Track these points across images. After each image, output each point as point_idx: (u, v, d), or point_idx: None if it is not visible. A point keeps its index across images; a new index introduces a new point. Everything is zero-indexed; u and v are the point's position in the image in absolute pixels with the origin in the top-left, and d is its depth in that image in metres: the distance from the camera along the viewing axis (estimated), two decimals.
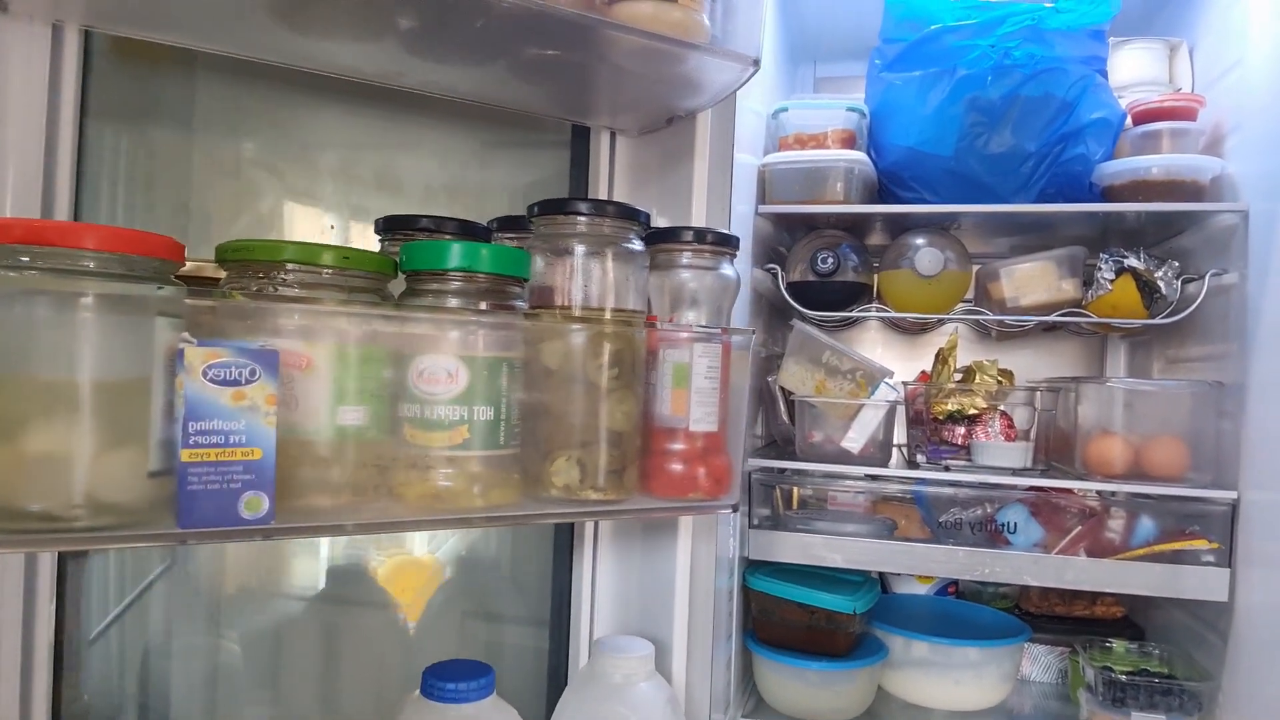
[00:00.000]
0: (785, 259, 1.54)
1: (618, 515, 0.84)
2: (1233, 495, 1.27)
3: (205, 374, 0.60)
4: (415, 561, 1.10)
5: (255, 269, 0.68)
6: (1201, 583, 1.27)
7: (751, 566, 1.43)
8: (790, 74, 1.74)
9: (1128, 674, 1.32)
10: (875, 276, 1.57)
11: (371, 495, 0.69)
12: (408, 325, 0.69)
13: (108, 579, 0.94)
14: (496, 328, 0.71)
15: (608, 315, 0.75)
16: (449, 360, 0.68)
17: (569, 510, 0.75)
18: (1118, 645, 1.43)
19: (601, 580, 1.07)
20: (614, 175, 1.09)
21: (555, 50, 0.81)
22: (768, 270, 1.47)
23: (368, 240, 1.04)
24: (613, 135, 1.09)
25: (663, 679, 0.88)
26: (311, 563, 1.07)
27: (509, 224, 0.85)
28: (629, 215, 0.76)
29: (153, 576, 0.97)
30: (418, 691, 0.79)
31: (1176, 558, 1.29)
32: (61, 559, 0.85)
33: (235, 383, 0.61)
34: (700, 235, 0.81)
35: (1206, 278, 1.34)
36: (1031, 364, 1.74)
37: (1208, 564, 1.28)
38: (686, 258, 0.81)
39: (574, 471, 0.73)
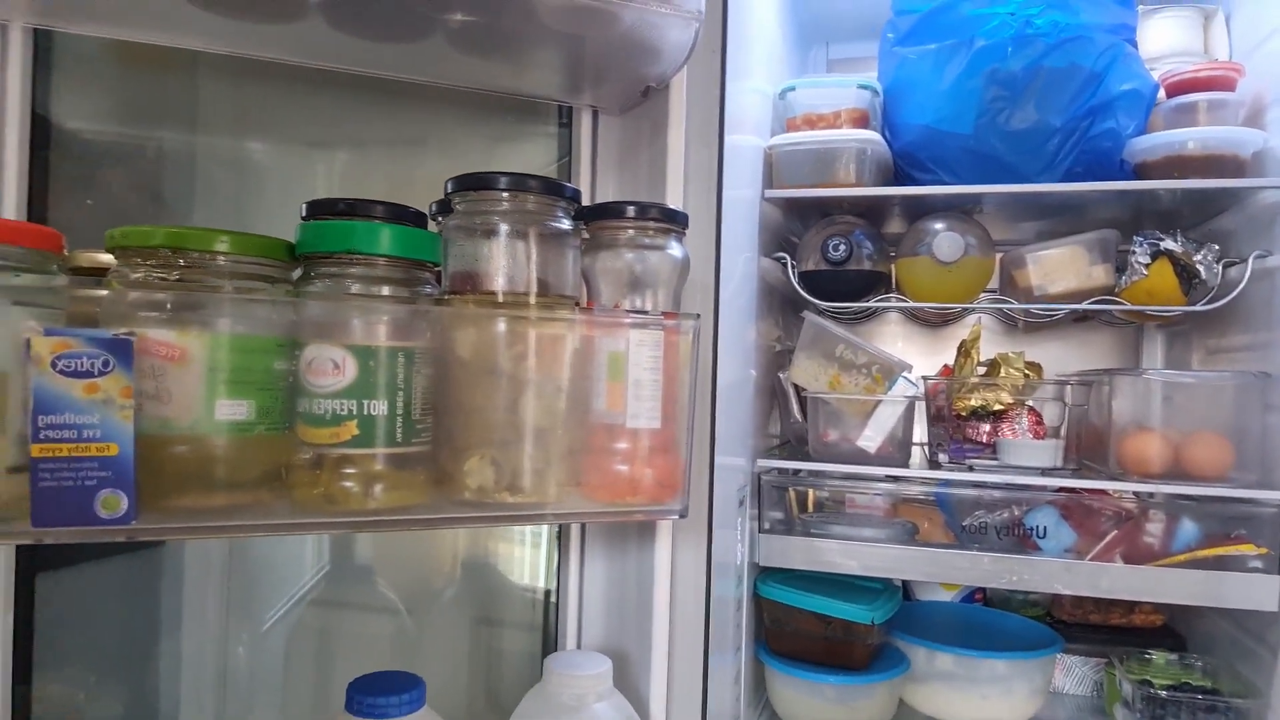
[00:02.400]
0: (796, 248, 1.42)
1: (540, 520, 0.74)
2: None
3: (55, 365, 0.53)
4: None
5: (141, 256, 0.60)
6: (1248, 591, 1.10)
7: (763, 574, 1.31)
8: (801, 56, 1.61)
9: (1168, 689, 1.16)
10: (892, 265, 1.43)
11: (262, 495, 0.60)
12: (296, 312, 0.61)
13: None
14: (398, 314, 0.61)
15: (532, 300, 0.65)
16: (335, 350, 0.59)
17: (481, 514, 0.65)
18: (1157, 657, 1.27)
19: (590, 587, 0.97)
20: (597, 155, 0.99)
21: (476, 15, 0.71)
22: (777, 260, 1.35)
23: None
24: (595, 115, 0.99)
25: (623, 699, 0.77)
26: (304, 563, 1.00)
27: (446, 206, 0.75)
28: (554, 191, 0.66)
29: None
30: (341, 709, 0.70)
31: (1221, 563, 1.12)
32: (29, 569, 0.79)
33: (87, 374, 0.53)
34: (643, 210, 0.70)
35: (1250, 260, 1.17)
36: (1061, 356, 1.57)
37: (1254, 570, 1.11)
38: (629, 236, 0.71)
39: (488, 472, 0.63)
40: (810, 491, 1.37)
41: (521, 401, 0.64)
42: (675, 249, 0.71)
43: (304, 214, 0.75)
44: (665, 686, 0.83)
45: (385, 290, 0.62)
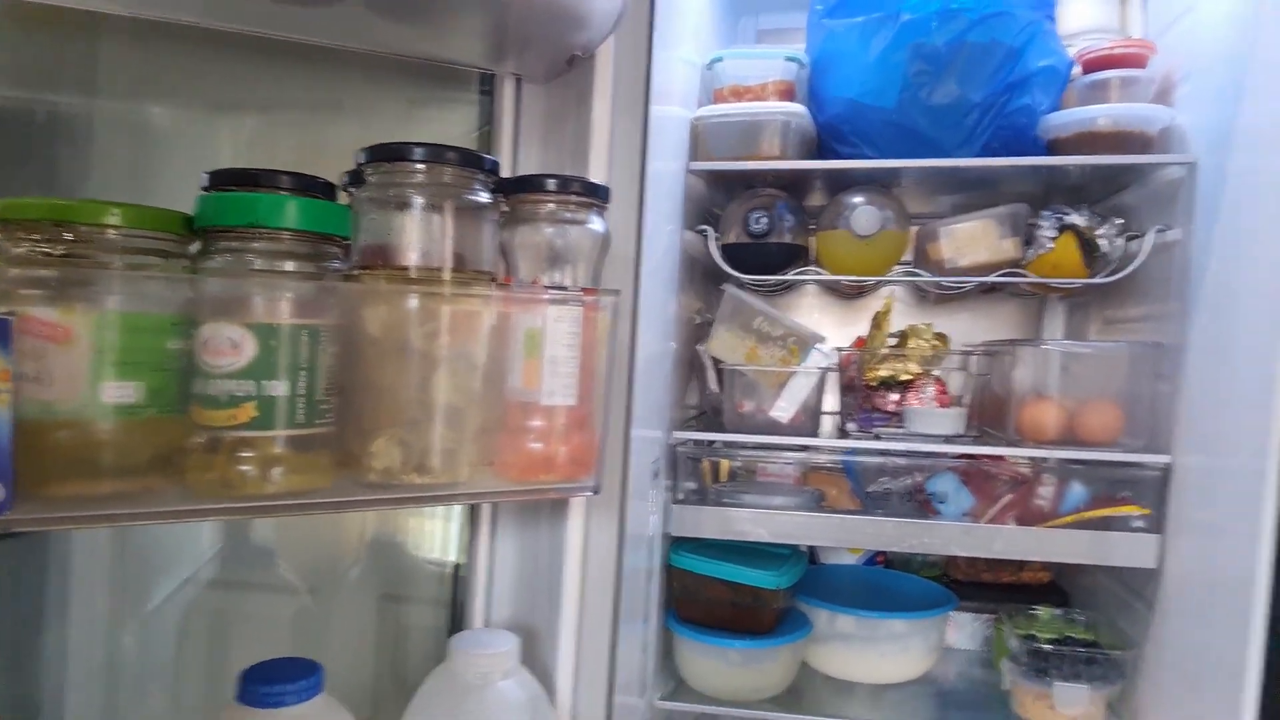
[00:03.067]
0: (719, 220, 1.41)
1: (449, 501, 0.72)
2: (1165, 460, 1.15)
3: None
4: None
5: (24, 230, 0.55)
6: (1131, 550, 1.16)
7: (675, 543, 1.32)
8: (731, 26, 1.58)
9: (1052, 642, 1.22)
10: (812, 238, 1.44)
11: (153, 481, 0.57)
12: (193, 289, 0.57)
13: None
14: (303, 291, 0.58)
15: (446, 276, 0.63)
16: (234, 329, 0.56)
17: (388, 497, 0.63)
18: (1043, 612, 1.33)
19: (500, 563, 0.95)
20: (520, 126, 0.95)
21: None
22: (699, 232, 1.34)
23: None
24: (519, 83, 0.95)
25: (529, 676, 0.77)
26: (203, 543, 0.96)
27: (359, 177, 0.72)
28: (472, 162, 0.63)
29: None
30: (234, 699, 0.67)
31: (1106, 524, 1.18)
32: None
33: None
34: (564, 184, 0.68)
35: (1150, 234, 1.21)
36: (969, 328, 1.61)
37: (1137, 530, 1.17)
38: (550, 210, 0.68)
39: (395, 453, 0.61)
40: (724, 462, 1.38)
41: (433, 380, 0.62)
42: (596, 224, 0.69)
43: (205, 184, 0.71)
44: (573, 661, 0.83)
45: (290, 265, 0.59)
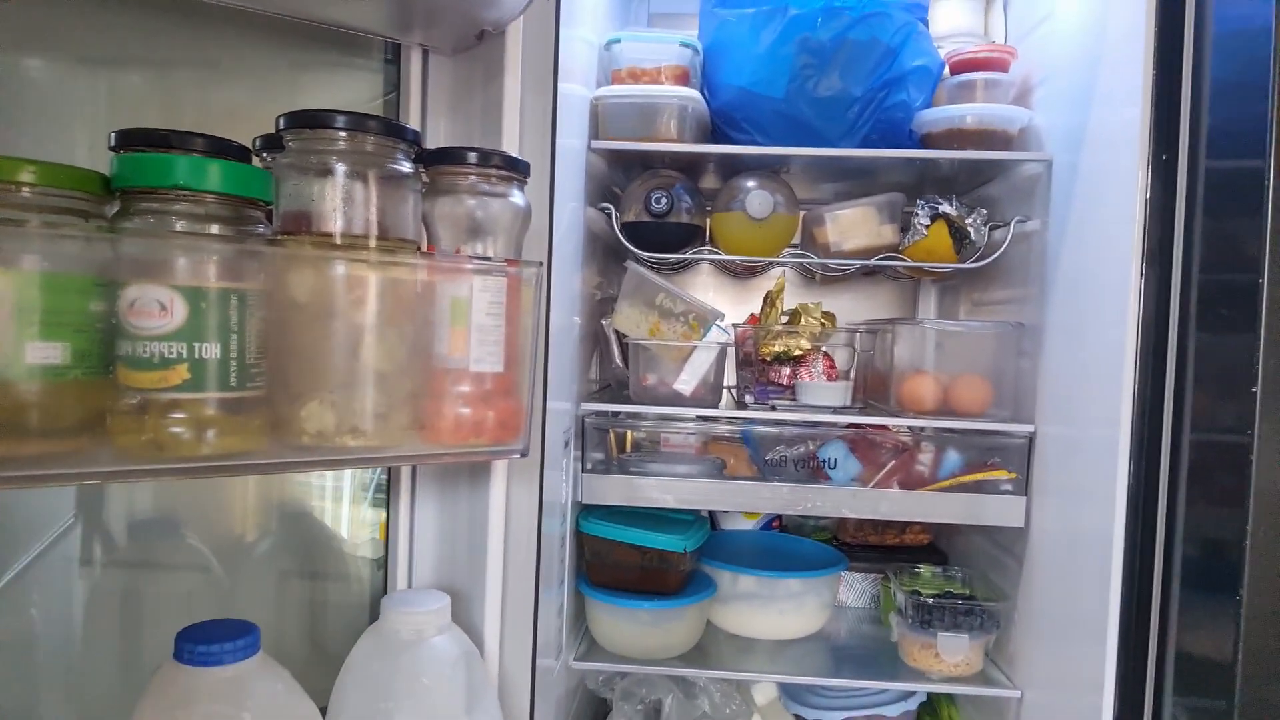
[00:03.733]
0: (619, 199, 1.45)
1: (382, 463, 0.73)
2: (1030, 429, 1.27)
3: None
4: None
5: None
6: (1002, 510, 1.27)
7: (585, 511, 1.36)
8: (624, 7, 1.62)
9: (934, 597, 1.32)
10: (708, 219, 1.50)
11: (81, 443, 0.56)
12: (115, 250, 0.56)
13: None
14: (228, 255, 0.58)
15: (372, 243, 0.64)
16: (162, 291, 0.56)
17: (321, 459, 0.64)
18: (924, 570, 1.43)
19: (421, 527, 0.96)
20: (427, 97, 0.96)
21: None
22: (602, 210, 1.37)
23: None
24: (425, 54, 0.95)
25: (460, 632, 0.79)
26: (112, 520, 0.93)
27: (274, 143, 0.71)
28: (394, 132, 0.64)
29: None
30: (170, 658, 0.67)
31: (979, 487, 1.29)
32: None
33: None
34: (485, 157, 0.70)
35: (1012, 224, 1.33)
36: (851, 307, 1.71)
37: (1006, 493, 1.28)
38: (470, 182, 0.70)
39: (328, 416, 0.62)
40: (629, 433, 1.43)
41: (361, 345, 0.63)
42: (518, 197, 0.72)
43: (113, 144, 0.69)
44: (499, 622, 0.85)
45: (214, 229, 0.58)
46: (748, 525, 1.65)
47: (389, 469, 0.92)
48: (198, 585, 0.94)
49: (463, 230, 0.71)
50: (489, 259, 0.69)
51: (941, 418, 1.30)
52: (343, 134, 0.63)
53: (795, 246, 1.53)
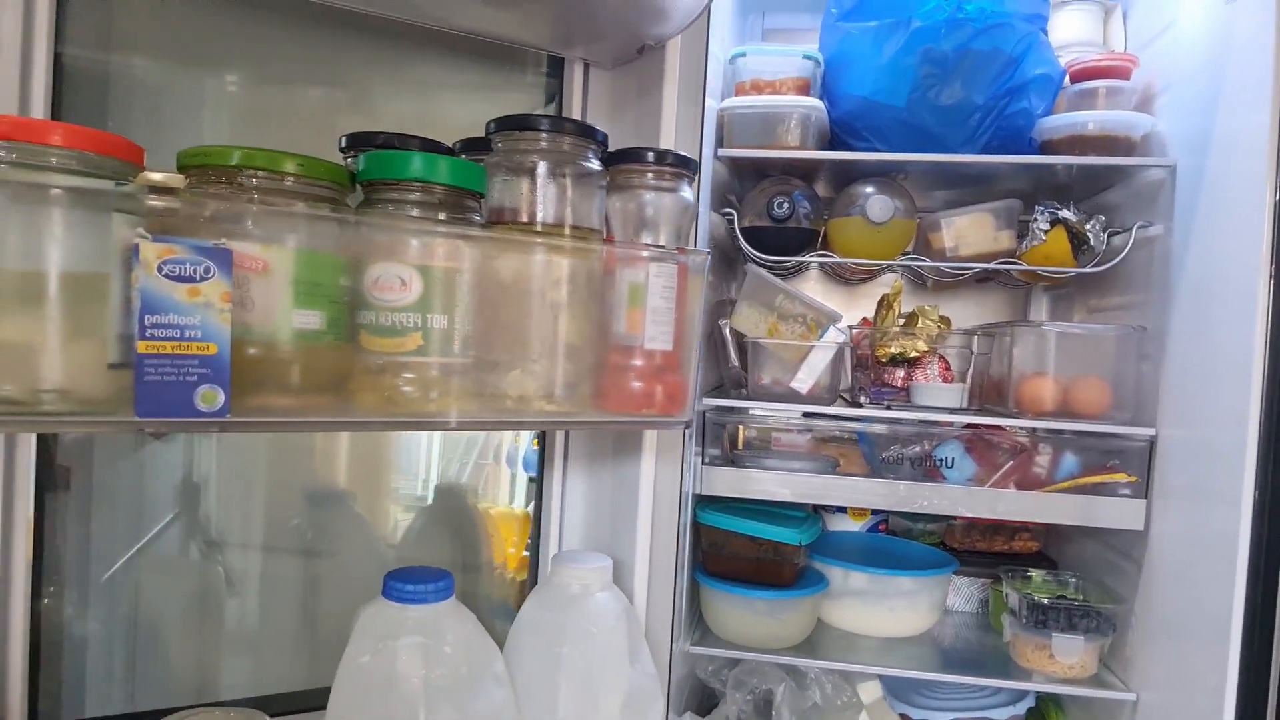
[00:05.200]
0: (735, 205, 1.53)
1: (571, 426, 0.82)
2: (1151, 432, 1.30)
3: (160, 269, 0.57)
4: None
5: (215, 175, 0.64)
6: (1120, 513, 1.30)
7: (701, 503, 1.43)
8: (740, 24, 1.71)
9: (1049, 599, 1.35)
10: (824, 224, 1.56)
11: (329, 397, 0.66)
12: (364, 232, 0.67)
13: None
14: (452, 238, 0.68)
15: (566, 232, 0.73)
16: (403, 268, 0.66)
17: (523, 420, 0.73)
18: (1035, 575, 1.46)
19: (571, 497, 1.06)
20: (587, 108, 1.06)
21: None
22: (724, 215, 1.45)
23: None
24: (586, 68, 1.05)
25: (619, 592, 0.88)
26: (292, 481, 1.05)
27: (473, 145, 0.82)
28: (586, 133, 0.74)
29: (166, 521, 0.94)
30: (379, 595, 0.77)
31: (1097, 490, 1.32)
32: (41, 489, 0.82)
33: (190, 279, 0.58)
34: (660, 156, 0.79)
35: (1134, 230, 1.36)
36: (962, 313, 1.75)
37: (1124, 496, 1.31)
38: (646, 179, 0.79)
39: (529, 383, 0.71)
40: (742, 430, 1.50)
41: (557, 321, 0.72)
42: (686, 192, 0.80)
43: (343, 145, 0.81)
44: (646, 584, 0.93)
45: (442, 216, 0.68)
46: (855, 527, 1.70)
47: (542, 439, 1.02)
48: (364, 545, 1.06)
49: (637, 222, 0.80)
50: (664, 248, 0.78)
51: (1060, 420, 1.33)
52: (545, 135, 0.73)
53: (908, 253, 1.59)
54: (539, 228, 0.72)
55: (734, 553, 1.39)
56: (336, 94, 1.05)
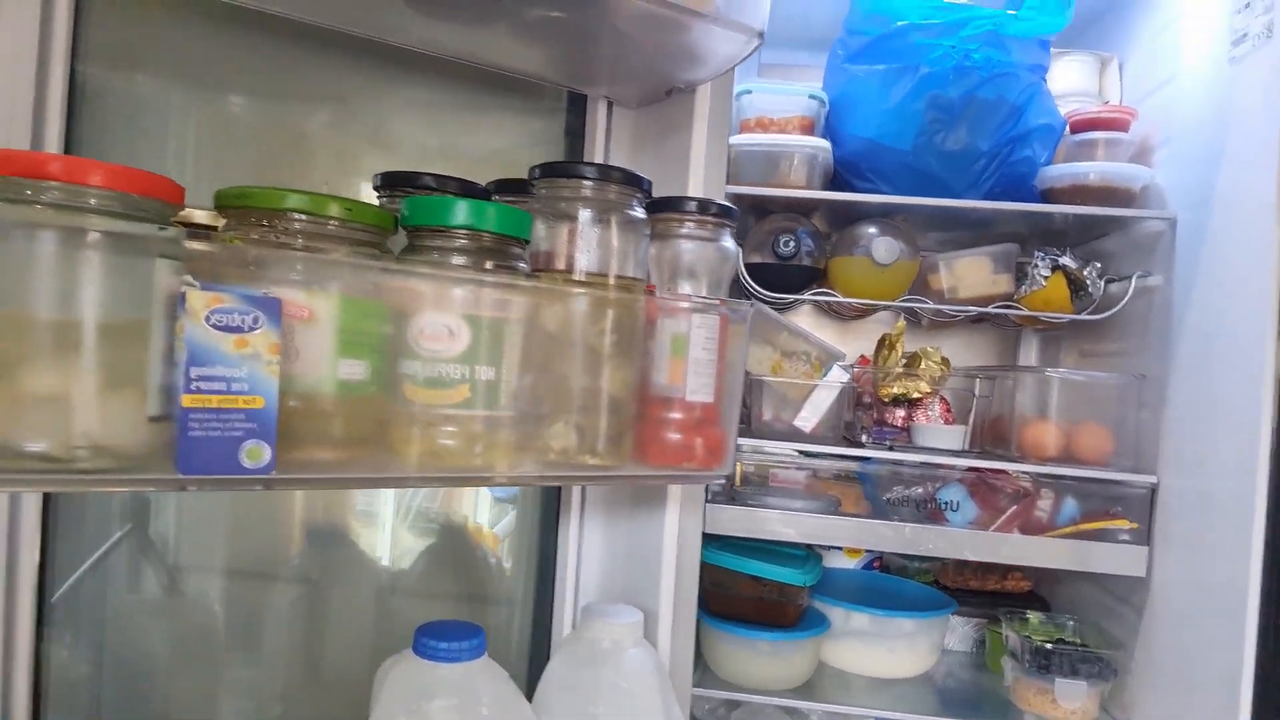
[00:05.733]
0: (744, 241, 1.52)
1: (614, 481, 0.80)
2: (1152, 479, 1.31)
3: (208, 319, 0.55)
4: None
5: (256, 217, 0.62)
6: (1122, 559, 1.31)
7: (705, 541, 1.41)
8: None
9: (1053, 643, 1.35)
10: (826, 263, 1.56)
11: (370, 450, 0.64)
12: (411, 281, 0.64)
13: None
14: (502, 288, 0.66)
15: (611, 281, 0.71)
16: (451, 318, 0.63)
17: (566, 474, 0.71)
18: (1033, 617, 1.46)
19: (587, 548, 1.03)
20: (610, 146, 1.05)
21: (561, 12, 0.76)
22: None
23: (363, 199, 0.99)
24: (609, 105, 1.04)
25: (651, 647, 0.85)
26: (289, 524, 1.01)
27: (506, 186, 0.80)
28: (633, 182, 0.72)
29: (117, 536, 0.89)
30: (408, 650, 0.74)
31: (1099, 535, 1.33)
32: (46, 507, 0.77)
33: (238, 329, 0.55)
34: (704, 206, 0.78)
35: (1134, 279, 1.38)
36: (954, 353, 1.76)
37: (1124, 542, 1.31)
38: (688, 228, 0.78)
39: (572, 436, 0.69)
40: (738, 466, 1.48)
41: (601, 373, 0.71)
42: (728, 242, 0.79)
43: (377, 184, 0.79)
44: (670, 637, 0.91)
45: (489, 264, 0.66)
46: (850, 564, 1.70)
47: (559, 490, 1.00)
48: (363, 587, 1.02)
49: (677, 271, 0.78)
50: (708, 299, 0.77)
51: (1063, 465, 1.34)
52: (588, 183, 0.71)
53: (907, 293, 1.59)
54: (583, 277, 0.71)
55: (737, 593, 1.38)
56: (347, 117, 1.02)
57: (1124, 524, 1.32)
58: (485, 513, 1.13)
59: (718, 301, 0.77)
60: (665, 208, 0.78)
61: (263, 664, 0.99)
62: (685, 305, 0.75)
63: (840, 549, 1.69)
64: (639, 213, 0.73)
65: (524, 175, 1.08)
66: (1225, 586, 1.14)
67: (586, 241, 0.71)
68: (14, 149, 0.72)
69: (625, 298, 0.72)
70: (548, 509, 1.06)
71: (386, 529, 1.08)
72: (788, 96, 1.50)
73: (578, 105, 1.05)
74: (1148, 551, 1.30)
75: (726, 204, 0.78)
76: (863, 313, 1.78)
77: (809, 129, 1.50)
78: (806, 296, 1.50)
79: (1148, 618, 1.32)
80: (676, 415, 0.75)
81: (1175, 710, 1.24)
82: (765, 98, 1.50)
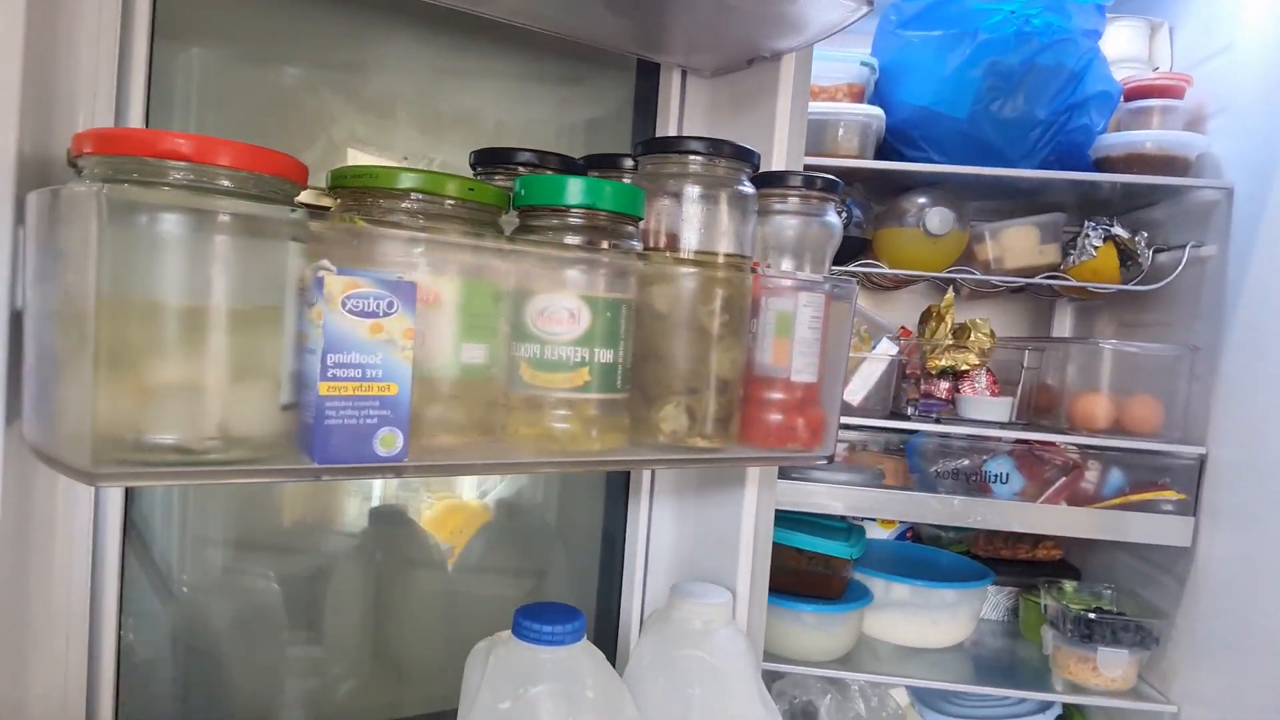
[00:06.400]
0: None
1: (721, 464, 0.79)
2: (1201, 450, 1.31)
3: (344, 304, 0.52)
4: (461, 505, 1.03)
5: (373, 197, 0.59)
6: (1168, 530, 1.32)
7: None
8: None
9: (1095, 611, 1.36)
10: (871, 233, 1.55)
11: (487, 435, 0.62)
12: (527, 262, 0.62)
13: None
14: (618, 268, 0.64)
15: (720, 259, 0.70)
16: (572, 300, 0.62)
17: (677, 457, 0.70)
18: (1068, 586, 1.47)
19: (657, 530, 1.02)
20: (684, 116, 1.02)
21: None
22: None
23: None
24: (683, 74, 1.01)
25: (739, 628, 0.85)
26: (353, 506, 1.00)
27: (597, 161, 0.77)
28: (743, 156, 0.70)
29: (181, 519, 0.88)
30: (507, 633, 0.73)
31: (1144, 506, 1.33)
32: (128, 495, 0.75)
33: (374, 314, 0.53)
34: (810, 181, 0.75)
35: (1187, 249, 1.37)
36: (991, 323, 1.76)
37: (1167, 513, 1.32)
38: (792, 203, 0.76)
39: (682, 418, 0.68)
40: None
41: (710, 353, 0.69)
42: (832, 217, 0.77)
43: (472, 161, 0.76)
44: (746, 615, 0.91)
45: (605, 244, 0.64)
46: (883, 534, 1.70)
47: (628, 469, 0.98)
48: (425, 568, 1.01)
49: (780, 247, 0.76)
50: (814, 277, 0.75)
51: (1113, 437, 1.34)
52: (698, 159, 0.69)
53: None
54: (692, 255, 0.69)
55: (781, 564, 1.37)
56: (397, 82, 0.98)
57: (1171, 495, 1.32)
58: (546, 487, 1.12)
59: (824, 279, 0.75)
60: (768, 182, 0.75)
61: (329, 643, 0.98)
62: (790, 284, 0.73)
63: (874, 520, 1.69)
64: (748, 188, 0.71)
65: (587, 147, 1.06)
66: (1275, 558, 1.15)
67: (696, 219, 0.69)
68: (134, 127, 0.70)
69: (735, 276, 0.70)
70: (612, 489, 1.05)
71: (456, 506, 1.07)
72: (838, 63, 1.47)
73: (648, 74, 1.02)
74: (1194, 522, 1.31)
75: (832, 178, 0.76)
76: (901, 283, 1.76)
77: (859, 96, 1.47)
78: (854, 268, 1.48)
79: (1190, 588, 1.33)
80: (779, 395, 0.74)
81: (1219, 680, 1.26)
82: (815, 64, 1.44)
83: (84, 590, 0.72)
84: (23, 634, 0.66)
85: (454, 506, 1.02)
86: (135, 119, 0.72)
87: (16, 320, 0.57)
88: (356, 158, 0.96)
